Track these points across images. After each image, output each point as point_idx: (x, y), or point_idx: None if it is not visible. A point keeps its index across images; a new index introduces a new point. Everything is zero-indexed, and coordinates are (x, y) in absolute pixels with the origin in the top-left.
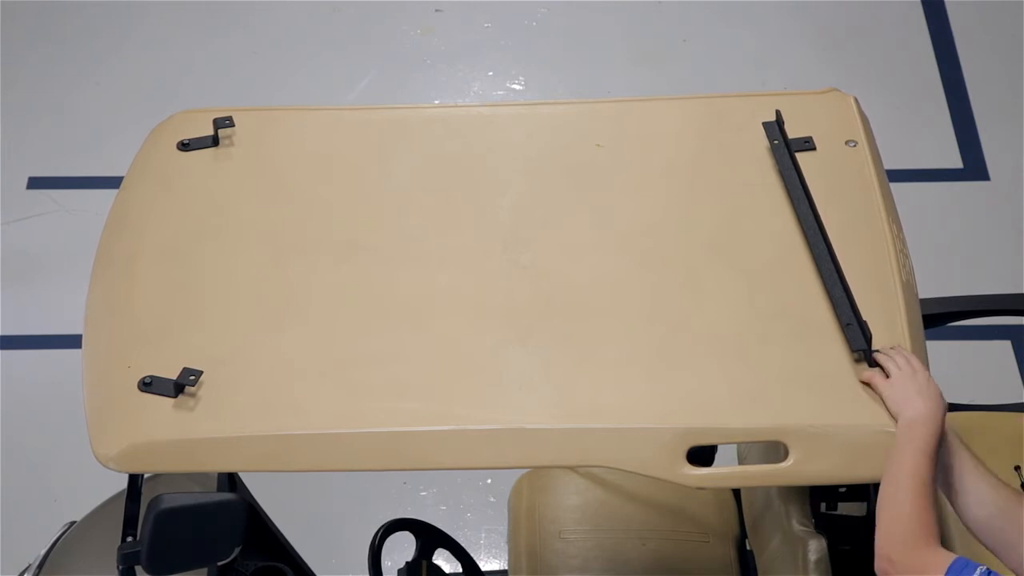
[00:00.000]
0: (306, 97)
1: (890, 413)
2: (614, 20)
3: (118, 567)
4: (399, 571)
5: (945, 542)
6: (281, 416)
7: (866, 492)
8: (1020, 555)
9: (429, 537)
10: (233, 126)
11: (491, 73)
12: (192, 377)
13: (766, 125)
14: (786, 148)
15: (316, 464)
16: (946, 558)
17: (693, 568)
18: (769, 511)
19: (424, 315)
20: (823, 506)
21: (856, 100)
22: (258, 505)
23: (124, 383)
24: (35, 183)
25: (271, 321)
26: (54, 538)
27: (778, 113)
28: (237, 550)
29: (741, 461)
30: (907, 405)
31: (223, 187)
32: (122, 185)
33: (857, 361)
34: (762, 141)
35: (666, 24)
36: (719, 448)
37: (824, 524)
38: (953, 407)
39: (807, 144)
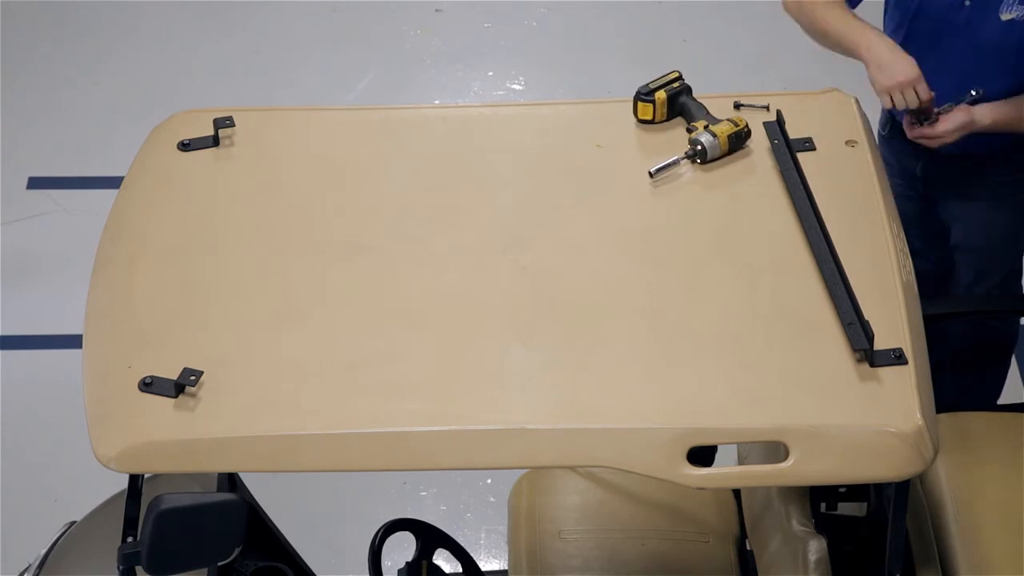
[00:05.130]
0: (306, 97)
1: None
2: (614, 20)
3: (118, 567)
4: (399, 571)
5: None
6: (281, 416)
7: (866, 492)
8: None
9: (429, 537)
10: (233, 126)
11: (491, 73)
12: (192, 377)
13: (767, 125)
14: (787, 148)
15: (316, 464)
16: None
17: (693, 568)
18: (769, 511)
19: (424, 315)
20: (823, 506)
21: (857, 100)
22: (258, 505)
23: (124, 383)
24: (35, 183)
25: (271, 321)
26: (54, 538)
27: (779, 113)
28: (237, 550)
29: (741, 461)
30: None
31: (223, 187)
32: (122, 185)
33: (859, 361)
34: (762, 141)
35: (666, 24)
36: (719, 448)
37: (824, 524)
38: (952, 407)
39: (807, 145)
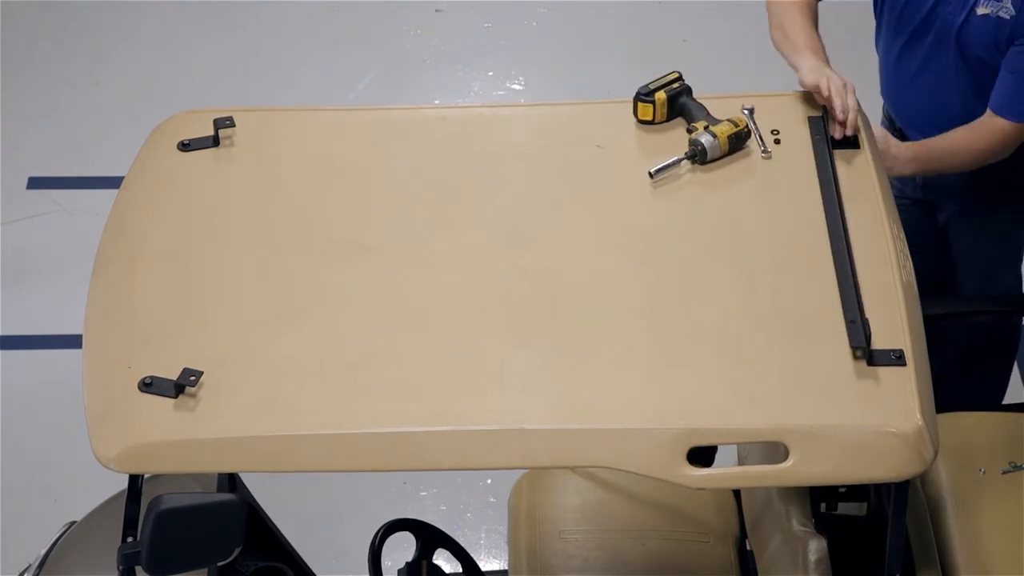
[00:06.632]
0: (306, 97)
1: None
2: (614, 20)
3: (118, 567)
4: (399, 571)
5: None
6: (281, 417)
7: (866, 492)
8: None
9: (429, 537)
10: (234, 126)
11: (491, 73)
12: (192, 378)
13: (811, 119)
14: (827, 144)
15: (316, 465)
16: None
17: (693, 568)
18: (769, 511)
19: (424, 316)
20: (823, 506)
21: (857, 101)
22: (258, 505)
23: (124, 384)
24: (35, 183)
25: (271, 321)
26: (54, 538)
27: (824, 109)
28: (237, 550)
29: (741, 461)
30: None
31: (224, 187)
32: (122, 185)
33: (857, 359)
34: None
35: (666, 24)
36: (719, 448)
37: (824, 524)
38: (954, 408)
39: (855, 143)
